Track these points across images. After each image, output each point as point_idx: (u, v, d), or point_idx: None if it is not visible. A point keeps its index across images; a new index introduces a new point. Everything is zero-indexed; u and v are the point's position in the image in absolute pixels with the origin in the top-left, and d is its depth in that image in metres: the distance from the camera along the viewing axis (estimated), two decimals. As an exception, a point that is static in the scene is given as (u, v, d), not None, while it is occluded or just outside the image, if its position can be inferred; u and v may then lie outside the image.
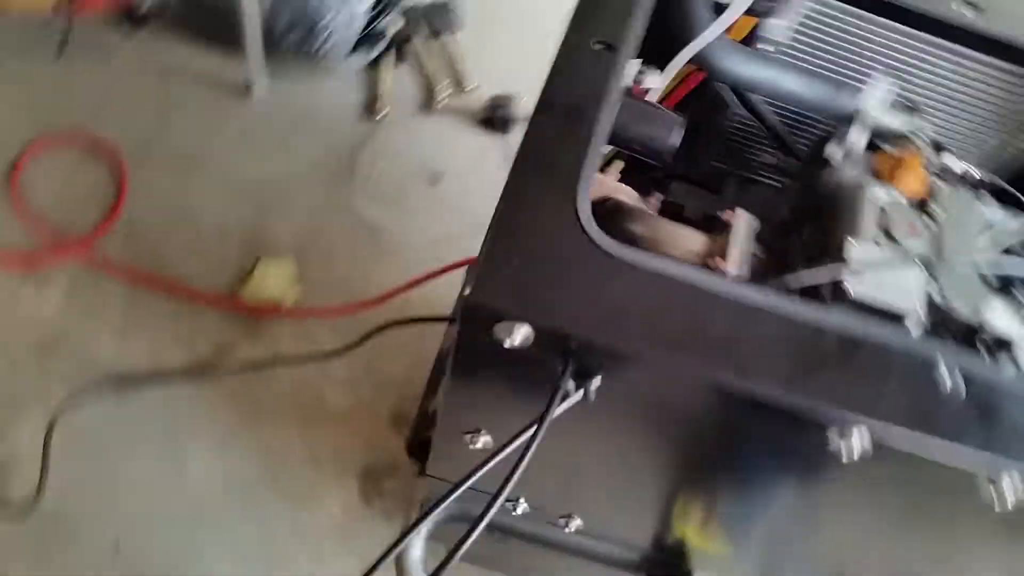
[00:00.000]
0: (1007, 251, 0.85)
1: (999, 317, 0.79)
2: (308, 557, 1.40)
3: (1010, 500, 0.66)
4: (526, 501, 1.01)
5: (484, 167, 1.87)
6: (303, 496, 1.46)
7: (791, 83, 0.94)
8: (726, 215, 0.88)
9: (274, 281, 1.63)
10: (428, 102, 1.94)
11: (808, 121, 1.03)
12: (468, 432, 0.85)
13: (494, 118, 1.91)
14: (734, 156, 1.13)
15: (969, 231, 0.86)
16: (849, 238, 0.80)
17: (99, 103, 1.80)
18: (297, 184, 1.78)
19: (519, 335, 0.65)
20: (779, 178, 1.13)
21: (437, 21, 2.02)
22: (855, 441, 0.66)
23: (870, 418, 0.66)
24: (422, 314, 1.48)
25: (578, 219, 0.69)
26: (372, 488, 1.49)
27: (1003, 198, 0.90)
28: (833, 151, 0.91)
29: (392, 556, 0.74)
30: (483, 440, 0.86)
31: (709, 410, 0.72)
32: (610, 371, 0.68)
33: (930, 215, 0.85)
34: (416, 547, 1.13)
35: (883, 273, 0.79)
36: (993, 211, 0.88)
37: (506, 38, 2.05)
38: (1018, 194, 0.92)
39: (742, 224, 0.87)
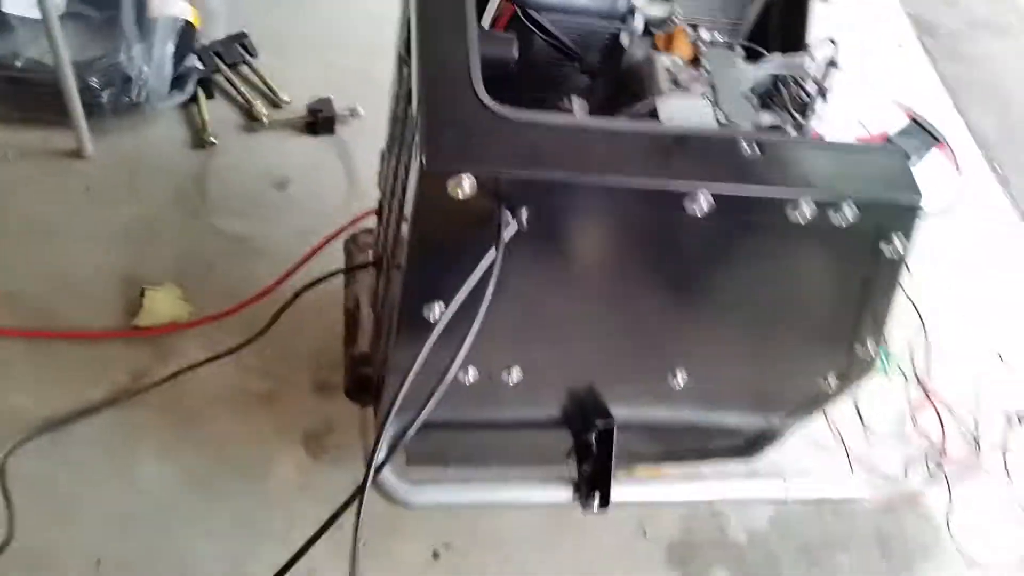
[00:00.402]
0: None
1: (767, 119, 1.16)
2: (281, 519, 1.55)
3: (808, 214, 1.00)
4: (473, 367, 1.25)
5: (323, 165, 2.09)
6: (258, 472, 1.61)
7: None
8: (563, 105, 1.19)
9: (165, 304, 1.75)
10: (251, 122, 2.11)
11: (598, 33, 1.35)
12: (427, 302, 1.08)
13: (317, 121, 2.12)
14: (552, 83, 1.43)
15: (730, 74, 1.22)
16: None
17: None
18: (156, 221, 1.90)
19: (466, 185, 0.91)
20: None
21: (232, 53, 2.19)
22: (702, 200, 0.97)
23: (708, 182, 0.97)
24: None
25: (479, 99, 0.96)
26: (317, 447, 1.66)
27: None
28: (623, 39, 1.24)
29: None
30: (438, 309, 1.09)
31: (601, 211, 1.00)
32: (533, 200, 0.95)
33: (703, 68, 1.20)
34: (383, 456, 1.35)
35: (682, 106, 1.13)
36: (741, 59, 1.25)
37: (301, 54, 2.27)
38: (755, 47, 1.30)
39: (576, 105, 1.18)
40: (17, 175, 1.91)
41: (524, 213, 0.96)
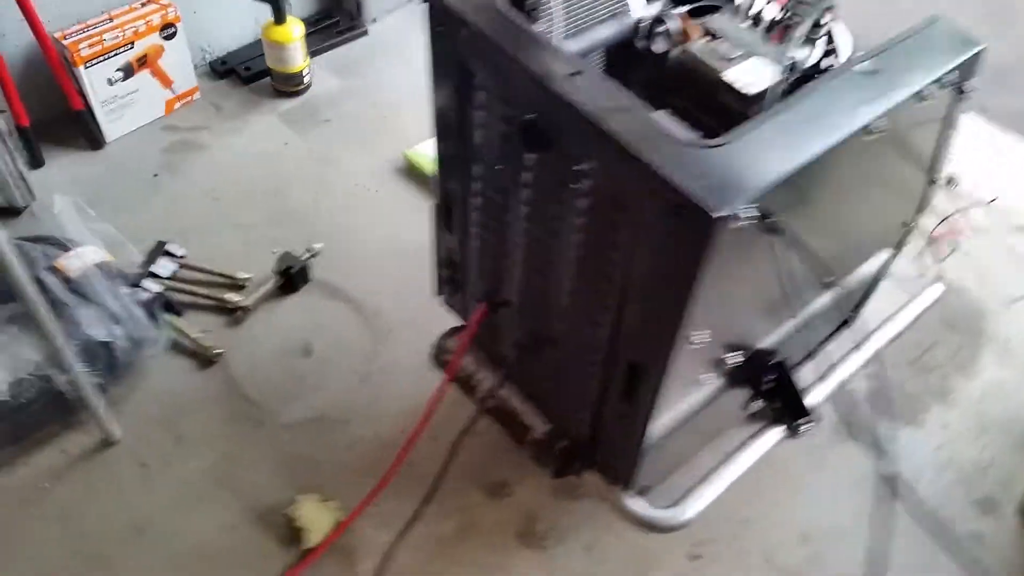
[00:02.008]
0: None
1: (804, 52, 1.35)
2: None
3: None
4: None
5: (324, 310, 2.07)
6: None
7: (605, 34, 1.38)
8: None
9: (315, 513, 1.68)
10: (233, 315, 2.03)
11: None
12: (694, 331, 1.18)
13: (291, 278, 2.07)
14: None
15: (744, 33, 1.38)
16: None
17: None
18: (231, 454, 1.80)
19: (744, 215, 1.02)
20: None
21: (166, 266, 2.07)
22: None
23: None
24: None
25: (678, 139, 1.07)
26: (535, 539, 1.70)
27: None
28: (658, 46, 1.37)
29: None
30: (699, 336, 1.20)
31: (816, 185, 1.15)
32: (782, 205, 1.08)
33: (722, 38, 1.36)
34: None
35: (747, 70, 1.29)
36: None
37: (215, 234, 2.21)
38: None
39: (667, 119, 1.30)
40: (71, 494, 1.72)
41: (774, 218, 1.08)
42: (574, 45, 1.33)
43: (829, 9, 1.37)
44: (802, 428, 1.60)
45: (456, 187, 1.45)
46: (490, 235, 1.46)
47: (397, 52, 2.81)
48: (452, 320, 1.78)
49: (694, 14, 1.41)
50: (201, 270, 2.10)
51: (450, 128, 1.37)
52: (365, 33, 2.82)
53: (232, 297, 2.03)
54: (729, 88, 1.29)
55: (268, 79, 2.59)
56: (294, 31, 2.46)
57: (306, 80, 2.57)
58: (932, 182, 1.53)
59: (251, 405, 1.89)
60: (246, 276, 2.09)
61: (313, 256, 2.13)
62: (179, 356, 1.95)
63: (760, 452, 1.60)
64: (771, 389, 1.57)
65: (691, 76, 1.34)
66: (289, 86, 2.56)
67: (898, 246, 1.69)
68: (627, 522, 1.58)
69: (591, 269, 1.26)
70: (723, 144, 1.08)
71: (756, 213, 1.03)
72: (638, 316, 1.22)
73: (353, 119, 2.57)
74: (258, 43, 2.57)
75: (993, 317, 2.20)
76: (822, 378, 1.69)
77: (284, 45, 2.46)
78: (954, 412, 2.02)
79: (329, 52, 2.73)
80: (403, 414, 1.85)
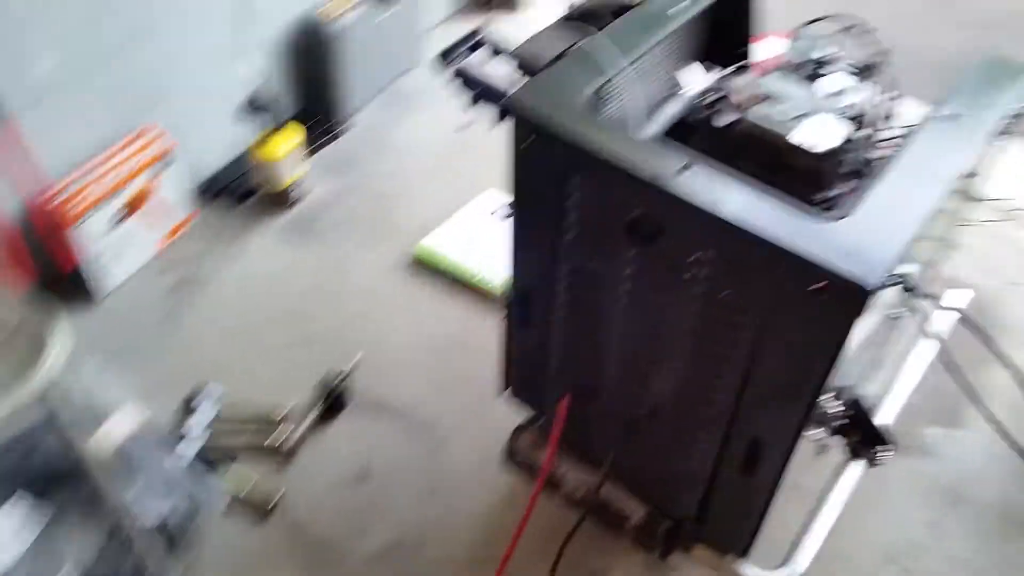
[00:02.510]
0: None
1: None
2: None
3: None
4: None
5: (373, 433, 1.99)
6: None
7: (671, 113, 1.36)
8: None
9: None
10: (279, 456, 1.92)
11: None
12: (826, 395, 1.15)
13: (333, 404, 1.99)
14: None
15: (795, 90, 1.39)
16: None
17: None
18: None
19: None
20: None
21: (204, 414, 1.96)
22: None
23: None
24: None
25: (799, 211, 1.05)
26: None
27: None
28: (720, 121, 1.36)
29: None
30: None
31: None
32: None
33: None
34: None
35: (813, 127, 1.29)
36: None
37: (246, 374, 2.11)
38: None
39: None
40: None
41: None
42: (648, 129, 1.30)
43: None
44: (882, 457, 1.57)
45: (537, 283, 1.41)
46: (579, 327, 1.42)
47: (380, 144, 2.78)
48: (509, 418, 1.75)
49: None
50: (238, 413, 1.99)
51: (536, 231, 1.33)
52: (346, 130, 2.77)
53: (278, 437, 1.93)
54: (798, 150, 1.28)
55: (260, 195, 2.51)
56: (280, 147, 2.40)
57: (300, 189, 2.50)
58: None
59: (323, 547, 1.78)
60: (286, 408, 1.99)
61: (350, 374, 2.05)
62: (235, 511, 1.83)
63: (848, 491, 1.59)
64: (848, 424, 1.55)
65: (757, 143, 1.32)
66: (283, 199, 2.49)
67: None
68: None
69: (708, 351, 1.24)
70: (846, 217, 1.06)
71: (900, 281, 1.01)
72: (765, 391, 1.19)
73: (352, 220, 2.51)
74: (246, 157, 2.49)
75: (998, 303, 2.24)
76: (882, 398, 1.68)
77: (273, 163, 2.40)
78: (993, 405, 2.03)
79: (315, 154, 2.67)
80: (481, 523, 1.79)
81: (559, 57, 1.31)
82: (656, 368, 1.33)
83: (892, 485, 1.89)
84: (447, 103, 2.83)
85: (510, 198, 1.52)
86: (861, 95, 1.42)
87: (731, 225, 1.05)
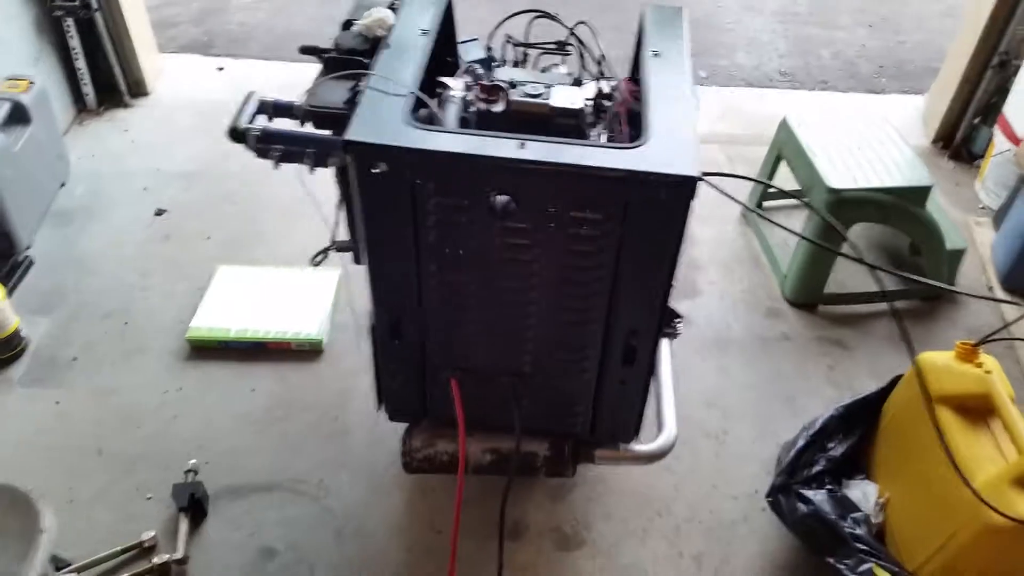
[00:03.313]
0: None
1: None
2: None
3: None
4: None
5: (267, 510, 1.97)
6: None
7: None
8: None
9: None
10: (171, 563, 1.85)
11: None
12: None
13: (198, 502, 1.94)
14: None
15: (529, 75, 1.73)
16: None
17: None
18: None
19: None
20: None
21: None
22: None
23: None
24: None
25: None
26: None
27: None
28: (495, 107, 1.64)
29: None
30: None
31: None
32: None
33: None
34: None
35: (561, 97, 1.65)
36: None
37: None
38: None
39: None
40: None
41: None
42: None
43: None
44: (677, 328, 2.01)
45: (404, 298, 1.58)
46: (454, 317, 1.61)
47: (74, 263, 2.61)
48: (375, 442, 1.95)
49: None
50: (101, 557, 1.84)
51: (396, 249, 1.49)
52: (31, 263, 2.55)
53: (157, 560, 1.84)
54: (561, 111, 1.62)
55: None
56: (-8, 296, 2.18)
57: (23, 334, 2.28)
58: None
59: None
60: (150, 534, 1.89)
61: (196, 472, 2.00)
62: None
63: (668, 363, 1.99)
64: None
65: (528, 115, 1.63)
66: (9, 350, 2.25)
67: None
68: (641, 463, 1.88)
69: (578, 283, 1.52)
70: (638, 146, 1.40)
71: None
72: (633, 290, 1.52)
73: (96, 343, 2.36)
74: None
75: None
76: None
77: (-13, 316, 2.16)
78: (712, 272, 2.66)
79: (16, 294, 2.43)
80: (405, 537, 1.91)
81: (352, 98, 1.48)
82: (535, 318, 1.58)
83: (683, 353, 2.37)
84: (116, 204, 2.78)
85: (348, 235, 1.66)
86: (566, 68, 1.82)
87: (579, 170, 1.34)
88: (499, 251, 1.48)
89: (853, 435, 2.09)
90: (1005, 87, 3.04)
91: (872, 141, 2.59)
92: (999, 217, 2.88)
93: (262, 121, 1.56)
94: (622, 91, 1.66)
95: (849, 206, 2.40)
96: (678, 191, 1.35)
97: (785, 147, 2.68)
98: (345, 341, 2.38)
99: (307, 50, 1.60)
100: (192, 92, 3.46)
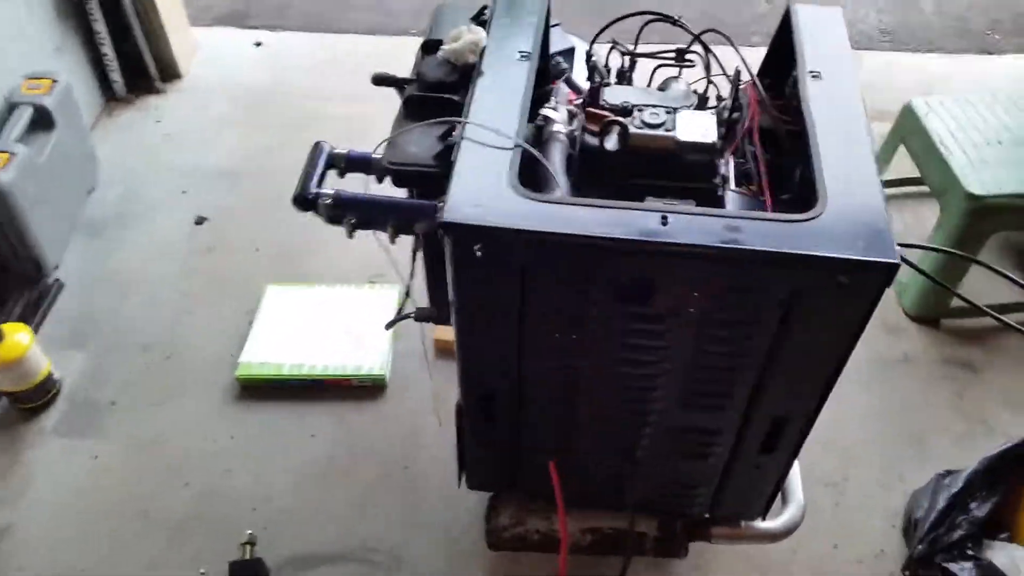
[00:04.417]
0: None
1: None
2: None
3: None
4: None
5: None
6: None
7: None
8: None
9: None
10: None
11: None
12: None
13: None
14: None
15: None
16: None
17: None
18: None
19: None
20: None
21: None
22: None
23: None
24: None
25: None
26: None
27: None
28: (612, 144, 1.33)
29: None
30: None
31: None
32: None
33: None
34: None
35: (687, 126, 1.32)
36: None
37: None
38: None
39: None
40: None
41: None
42: (564, 184, 1.24)
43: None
44: None
45: (500, 381, 1.31)
46: (560, 400, 1.35)
47: (106, 284, 2.36)
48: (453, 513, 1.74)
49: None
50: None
51: (495, 332, 1.22)
52: (59, 288, 2.31)
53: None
54: (690, 146, 1.31)
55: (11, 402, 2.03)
56: (21, 339, 1.94)
57: (52, 378, 2.05)
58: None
59: None
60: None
61: (254, 544, 1.78)
62: None
63: None
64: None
65: (651, 151, 1.32)
66: (42, 396, 2.03)
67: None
68: (763, 543, 1.63)
69: (714, 370, 1.24)
70: (814, 218, 1.09)
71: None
72: (789, 380, 1.23)
73: (134, 383, 2.12)
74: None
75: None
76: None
77: (16, 361, 1.93)
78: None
79: (39, 331, 2.20)
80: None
81: (444, 152, 1.19)
82: (659, 404, 1.31)
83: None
84: (152, 211, 2.52)
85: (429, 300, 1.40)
86: (683, 83, 1.49)
87: (740, 255, 1.05)
88: (622, 338, 1.20)
89: (997, 491, 1.81)
90: None
91: (1015, 129, 2.23)
92: None
93: (332, 180, 1.28)
94: (752, 103, 1.35)
95: (992, 214, 2.06)
96: (868, 278, 1.05)
97: (911, 139, 2.32)
98: (409, 372, 2.12)
99: (382, 80, 1.30)
100: (228, 73, 3.16)
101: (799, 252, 1.04)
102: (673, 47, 1.50)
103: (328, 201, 1.17)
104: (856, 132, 1.22)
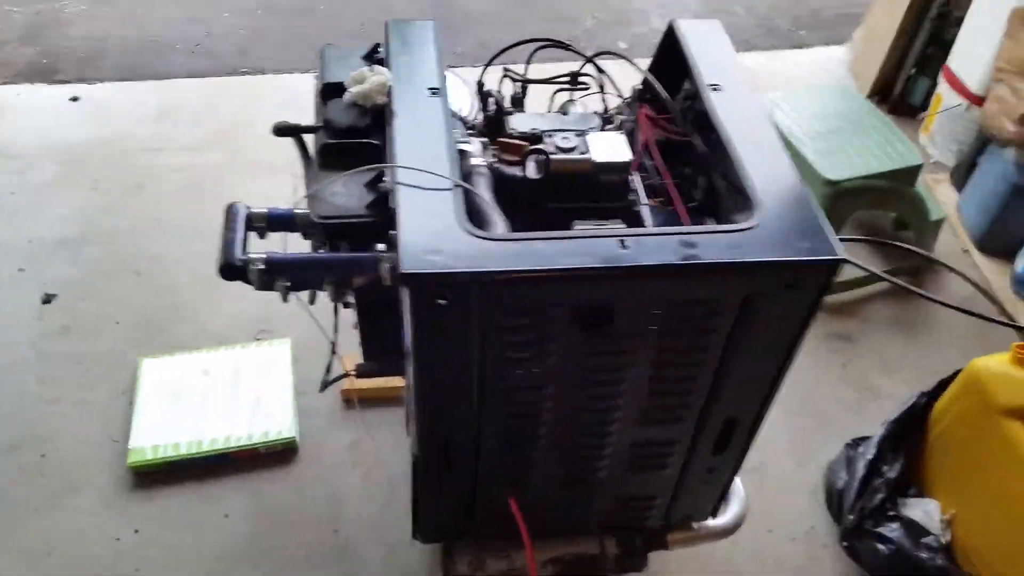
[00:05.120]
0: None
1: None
2: None
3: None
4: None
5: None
6: None
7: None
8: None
9: None
10: None
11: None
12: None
13: None
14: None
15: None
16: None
17: None
18: None
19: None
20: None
21: None
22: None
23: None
24: None
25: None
26: None
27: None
28: (532, 172, 1.31)
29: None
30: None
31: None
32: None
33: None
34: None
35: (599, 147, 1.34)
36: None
37: None
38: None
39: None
40: None
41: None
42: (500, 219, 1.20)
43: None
44: None
45: (459, 427, 1.26)
46: (518, 438, 1.31)
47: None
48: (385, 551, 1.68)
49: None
50: None
51: (456, 377, 1.16)
52: None
53: None
54: (606, 166, 1.32)
55: None
56: None
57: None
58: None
59: None
60: None
61: None
62: None
63: None
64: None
65: (570, 176, 1.32)
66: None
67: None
68: (717, 539, 1.67)
69: (673, 380, 1.25)
70: (756, 225, 1.12)
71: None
72: (740, 381, 1.26)
73: (14, 487, 1.89)
74: None
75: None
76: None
77: None
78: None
79: None
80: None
81: (378, 200, 1.13)
82: (618, 424, 1.30)
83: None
84: None
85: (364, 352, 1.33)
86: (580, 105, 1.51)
87: (699, 269, 1.06)
88: (584, 364, 1.19)
89: (901, 451, 1.95)
90: (942, 37, 2.95)
91: (849, 117, 2.42)
92: (957, 174, 2.81)
93: (257, 244, 1.18)
94: (642, 119, 1.39)
95: (849, 196, 2.23)
96: (817, 275, 1.10)
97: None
98: (317, 430, 2.02)
99: (284, 131, 1.22)
100: (46, 133, 2.88)
101: (755, 260, 1.07)
102: (558, 71, 1.51)
103: (261, 267, 1.08)
104: (768, 138, 1.27)
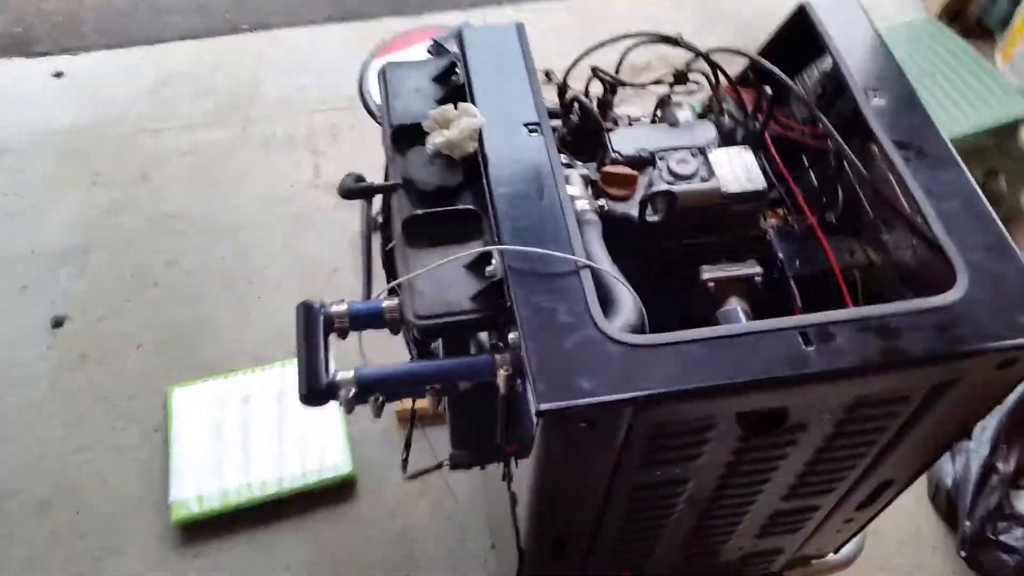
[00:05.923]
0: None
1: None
2: None
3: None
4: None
5: None
6: None
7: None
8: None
9: None
10: None
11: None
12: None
13: None
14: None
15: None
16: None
17: None
18: None
19: None
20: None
21: None
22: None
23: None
24: None
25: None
26: None
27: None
28: (653, 215, 1.08)
29: None
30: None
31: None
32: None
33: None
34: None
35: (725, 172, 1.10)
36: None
37: None
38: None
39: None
40: None
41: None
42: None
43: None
44: None
45: (576, 524, 1.07)
46: (642, 530, 1.13)
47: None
48: None
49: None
50: None
51: (582, 486, 0.97)
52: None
53: None
54: (738, 196, 1.09)
55: None
56: None
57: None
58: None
59: None
60: None
61: None
62: None
63: None
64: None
65: (695, 212, 1.09)
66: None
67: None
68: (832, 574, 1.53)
69: (831, 470, 1.06)
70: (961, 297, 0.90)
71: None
72: (904, 455, 1.07)
73: (49, 552, 1.72)
74: None
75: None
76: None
77: None
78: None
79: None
80: None
81: (488, 290, 0.90)
82: (759, 505, 1.12)
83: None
84: None
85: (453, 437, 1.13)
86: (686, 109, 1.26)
87: (895, 364, 0.85)
88: (737, 461, 0.99)
89: (1016, 444, 1.79)
90: (1019, -50, 2.64)
91: (934, 57, 2.16)
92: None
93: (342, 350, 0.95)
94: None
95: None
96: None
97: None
98: (374, 459, 1.83)
99: (353, 194, 0.98)
100: (34, 120, 2.59)
101: (972, 348, 0.85)
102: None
103: (353, 390, 0.86)
104: (951, 163, 1.03)
